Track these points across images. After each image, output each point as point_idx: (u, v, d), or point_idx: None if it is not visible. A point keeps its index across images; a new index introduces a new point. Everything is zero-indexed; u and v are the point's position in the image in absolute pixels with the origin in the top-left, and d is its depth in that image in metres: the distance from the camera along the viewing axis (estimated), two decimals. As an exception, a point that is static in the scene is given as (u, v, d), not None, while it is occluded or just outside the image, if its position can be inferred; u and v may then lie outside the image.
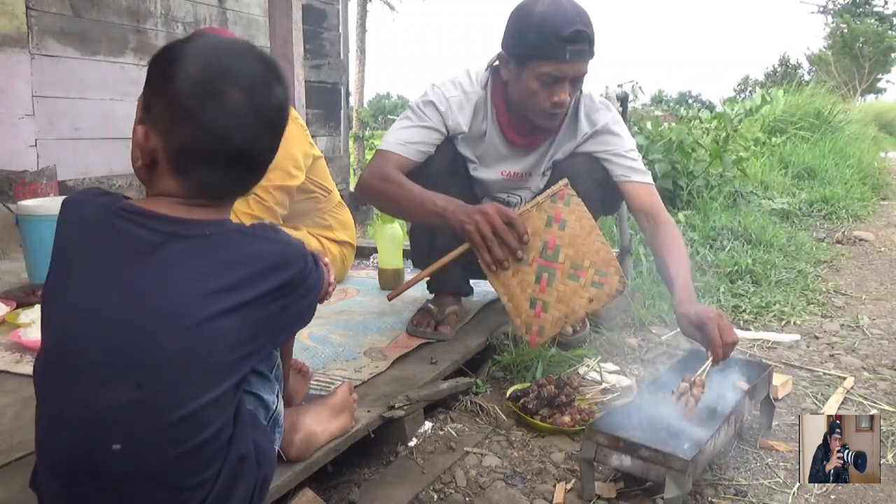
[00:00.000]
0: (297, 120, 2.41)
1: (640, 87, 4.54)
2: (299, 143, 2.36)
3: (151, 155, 0.93)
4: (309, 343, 1.95)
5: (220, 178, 0.96)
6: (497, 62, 1.92)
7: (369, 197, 1.89)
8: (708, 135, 5.77)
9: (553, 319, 1.69)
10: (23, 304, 2.15)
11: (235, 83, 0.93)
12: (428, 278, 2.16)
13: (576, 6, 1.76)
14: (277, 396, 1.14)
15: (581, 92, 1.94)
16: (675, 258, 1.76)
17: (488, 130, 1.97)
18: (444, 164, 1.92)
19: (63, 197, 1.21)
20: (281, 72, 1.00)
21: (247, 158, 0.98)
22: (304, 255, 1.01)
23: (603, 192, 1.97)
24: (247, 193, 1.06)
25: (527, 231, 1.65)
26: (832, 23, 28.87)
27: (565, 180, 1.71)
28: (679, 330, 1.66)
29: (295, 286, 0.98)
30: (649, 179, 1.97)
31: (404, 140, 1.88)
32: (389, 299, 1.86)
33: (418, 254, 2.14)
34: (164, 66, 0.93)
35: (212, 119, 0.92)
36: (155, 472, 0.89)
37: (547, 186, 2.03)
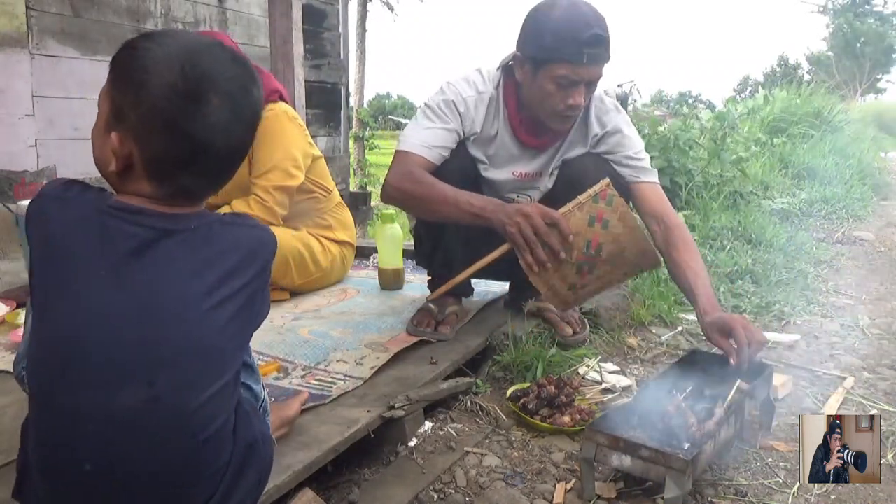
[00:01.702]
0: (296, 120, 2.40)
1: (637, 88, 4.54)
2: (299, 143, 2.36)
3: (126, 161, 0.91)
4: (309, 337, 1.95)
5: (200, 182, 0.96)
6: (509, 62, 1.91)
7: (397, 200, 1.85)
8: (707, 133, 5.76)
9: (589, 292, 1.78)
10: (23, 304, 2.16)
11: (215, 90, 0.91)
12: (430, 278, 2.17)
13: (593, 10, 1.76)
14: (262, 385, 1.17)
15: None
16: (694, 267, 1.78)
17: (500, 131, 1.96)
18: (455, 164, 1.90)
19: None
20: (254, 72, 0.98)
21: (226, 162, 0.97)
22: (275, 239, 1.02)
23: None
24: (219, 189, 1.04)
25: (571, 232, 1.63)
26: (833, 23, 28.87)
27: (607, 180, 1.70)
28: (678, 331, 1.66)
29: (269, 269, 1.00)
30: (657, 179, 1.98)
31: (429, 143, 1.85)
32: (429, 301, 1.88)
33: (421, 253, 2.14)
34: (134, 71, 0.90)
35: (193, 128, 0.90)
36: (169, 468, 0.90)
37: (555, 185, 2.03)
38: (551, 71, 1.76)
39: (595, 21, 1.73)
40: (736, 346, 1.56)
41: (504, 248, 1.67)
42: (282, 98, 2.37)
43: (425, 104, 1.95)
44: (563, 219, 1.63)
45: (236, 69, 0.95)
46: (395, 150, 1.89)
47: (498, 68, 1.95)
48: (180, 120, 0.89)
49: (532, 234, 1.61)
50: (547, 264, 1.63)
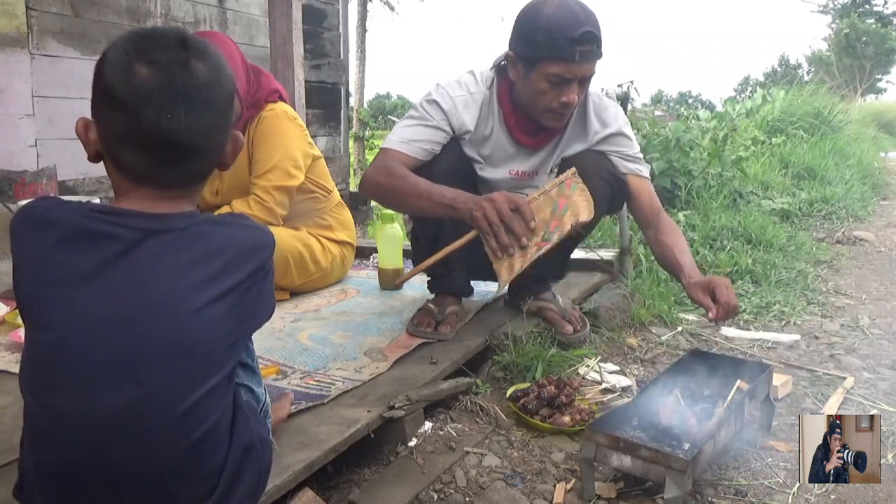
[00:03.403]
0: (296, 120, 2.41)
1: (635, 88, 4.52)
2: (299, 143, 2.36)
3: (94, 146, 0.95)
4: (309, 343, 1.95)
5: (146, 161, 0.93)
6: (503, 62, 1.92)
7: (373, 193, 1.88)
8: (707, 134, 5.77)
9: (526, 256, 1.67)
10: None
11: (143, 60, 0.90)
12: (429, 278, 2.17)
13: (584, 7, 1.77)
14: (264, 388, 1.17)
15: (588, 91, 1.95)
16: (680, 245, 1.93)
17: (495, 130, 1.97)
18: (450, 164, 1.92)
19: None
20: (206, 51, 0.95)
21: (165, 138, 0.92)
22: (273, 239, 1.02)
23: (609, 190, 1.97)
24: (201, 181, 1.02)
25: (533, 217, 1.64)
26: (833, 23, 28.89)
27: (573, 169, 1.73)
28: (678, 331, 1.67)
29: (266, 271, 1.00)
30: (648, 175, 2.05)
31: (407, 138, 1.88)
32: (398, 285, 1.87)
33: (419, 253, 2.13)
34: (99, 62, 0.94)
35: (122, 97, 0.90)
36: (161, 468, 0.90)
37: None
38: (544, 69, 1.77)
39: (586, 18, 1.74)
40: (717, 302, 1.68)
41: (471, 234, 1.68)
42: (281, 98, 2.37)
43: (410, 106, 1.98)
44: (527, 204, 1.65)
45: (177, 45, 0.93)
46: (380, 148, 1.92)
47: (491, 68, 1.96)
48: (115, 88, 0.91)
49: (497, 218, 1.62)
50: (510, 249, 1.64)
